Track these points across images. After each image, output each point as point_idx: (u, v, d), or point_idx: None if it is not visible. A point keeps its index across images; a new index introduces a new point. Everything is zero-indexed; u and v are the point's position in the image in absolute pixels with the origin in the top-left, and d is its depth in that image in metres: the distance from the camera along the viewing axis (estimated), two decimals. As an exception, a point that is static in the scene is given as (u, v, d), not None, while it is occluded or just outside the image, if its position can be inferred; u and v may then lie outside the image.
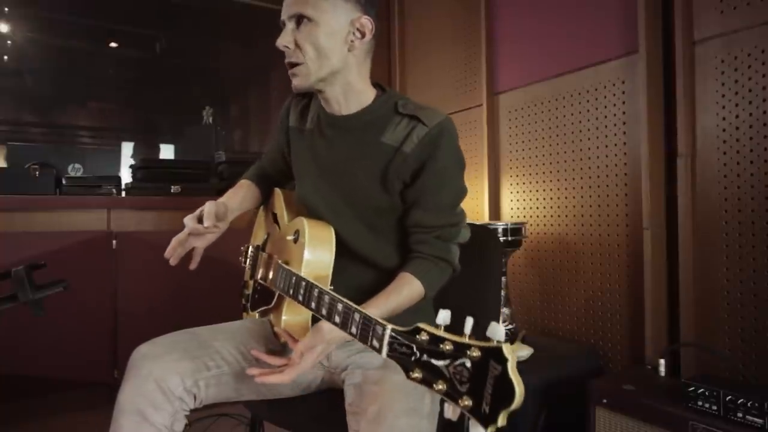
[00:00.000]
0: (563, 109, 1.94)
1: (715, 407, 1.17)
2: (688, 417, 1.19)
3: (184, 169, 2.52)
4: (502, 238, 1.76)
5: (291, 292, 0.94)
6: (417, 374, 0.62)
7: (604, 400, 1.36)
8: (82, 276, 2.04)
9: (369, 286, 1.00)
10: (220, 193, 1.29)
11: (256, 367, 0.94)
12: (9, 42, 3.24)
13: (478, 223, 1.78)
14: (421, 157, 0.98)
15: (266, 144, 3.40)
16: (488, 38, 2.23)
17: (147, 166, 2.44)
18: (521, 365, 0.97)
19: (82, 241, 2.08)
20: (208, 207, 1.03)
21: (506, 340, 0.57)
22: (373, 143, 1.02)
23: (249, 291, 1.19)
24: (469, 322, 0.61)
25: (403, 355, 0.65)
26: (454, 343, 0.60)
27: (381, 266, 1.05)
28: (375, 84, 1.08)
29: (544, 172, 2.02)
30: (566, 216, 1.93)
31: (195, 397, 1.00)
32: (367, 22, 0.99)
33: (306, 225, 1.00)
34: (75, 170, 2.49)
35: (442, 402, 0.62)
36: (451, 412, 0.60)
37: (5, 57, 3.29)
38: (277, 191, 1.23)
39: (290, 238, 1.03)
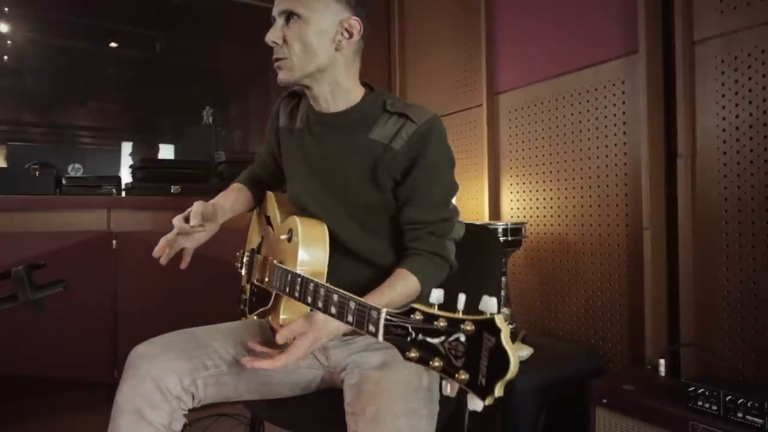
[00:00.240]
0: (563, 109, 1.94)
1: (715, 407, 1.17)
2: (688, 417, 1.19)
3: (184, 169, 2.51)
4: (502, 238, 1.76)
5: (287, 289, 0.94)
6: (413, 354, 0.63)
7: (604, 400, 1.36)
8: (82, 276, 2.04)
9: (364, 282, 1.00)
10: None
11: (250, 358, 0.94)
12: (9, 42, 3.23)
13: (478, 223, 1.78)
14: (411, 154, 0.99)
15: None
16: (488, 38, 2.23)
17: (147, 166, 2.43)
18: (521, 365, 0.97)
19: (82, 241, 2.08)
20: (196, 207, 1.03)
21: (498, 312, 0.57)
22: (361, 140, 1.02)
23: (246, 296, 1.19)
24: (462, 298, 0.61)
25: (398, 337, 0.65)
26: (447, 319, 0.61)
27: (375, 264, 1.05)
28: (364, 84, 1.08)
29: (544, 172, 2.02)
30: (566, 216, 1.93)
31: (193, 397, 1.00)
32: (355, 23, 0.99)
33: (299, 223, 1.00)
34: (75, 170, 2.48)
35: (440, 387, 0.61)
36: (449, 388, 0.60)
37: (5, 57, 3.28)
38: (269, 194, 1.23)
39: (284, 237, 1.03)
